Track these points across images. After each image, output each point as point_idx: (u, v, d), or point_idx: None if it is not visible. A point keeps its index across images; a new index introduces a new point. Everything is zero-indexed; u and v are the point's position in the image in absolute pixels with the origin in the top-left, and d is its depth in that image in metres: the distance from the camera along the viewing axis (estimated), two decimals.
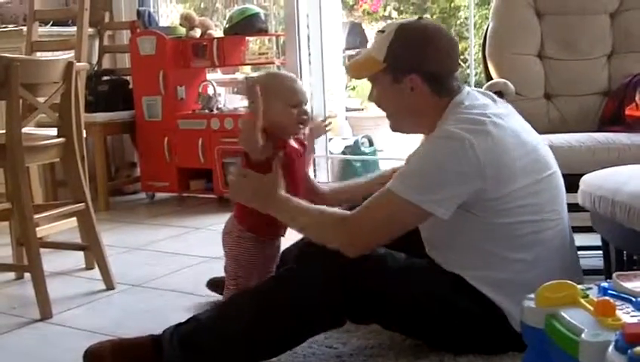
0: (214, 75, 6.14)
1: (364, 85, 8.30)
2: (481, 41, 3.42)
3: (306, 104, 2.43)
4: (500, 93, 2.54)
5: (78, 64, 3.24)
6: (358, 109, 8.18)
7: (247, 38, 5.25)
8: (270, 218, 2.24)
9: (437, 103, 2.16)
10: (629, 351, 1.24)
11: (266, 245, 2.46)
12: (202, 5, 11.63)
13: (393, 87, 2.17)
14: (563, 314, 1.49)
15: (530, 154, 2.11)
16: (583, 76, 3.18)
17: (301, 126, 2.42)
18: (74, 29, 3.76)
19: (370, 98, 2.29)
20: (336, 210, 2.20)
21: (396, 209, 2.04)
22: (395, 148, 5.69)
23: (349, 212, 2.13)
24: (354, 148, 5.60)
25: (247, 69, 6.52)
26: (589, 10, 3.25)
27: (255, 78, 2.58)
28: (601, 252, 2.50)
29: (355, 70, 2.41)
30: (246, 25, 5.05)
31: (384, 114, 2.29)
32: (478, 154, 2.00)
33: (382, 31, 2.21)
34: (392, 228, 2.09)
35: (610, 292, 1.54)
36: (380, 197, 2.07)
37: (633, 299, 1.47)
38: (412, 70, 2.14)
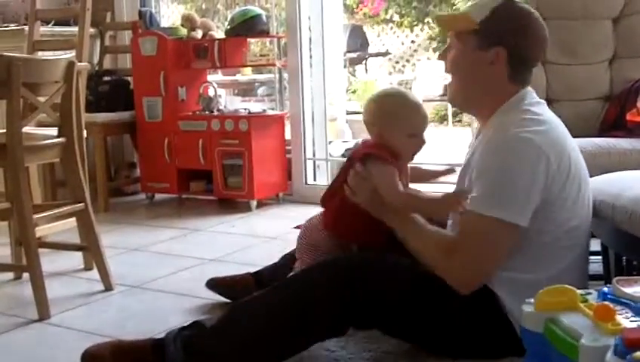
0: (215, 77, 6.15)
1: (365, 88, 8.31)
2: None
3: (424, 132, 2.32)
4: None
5: (79, 64, 3.24)
6: (359, 113, 8.18)
7: (248, 39, 5.24)
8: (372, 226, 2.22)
9: (506, 88, 2.12)
10: (629, 356, 1.24)
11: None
12: (204, 6, 11.65)
13: (475, 53, 2.12)
14: (562, 318, 1.49)
15: (576, 162, 2.12)
16: (585, 81, 3.18)
17: (415, 155, 2.32)
18: (75, 28, 3.75)
19: (442, 56, 2.21)
20: (446, 235, 2.17)
21: (493, 232, 2.00)
22: None
23: (453, 237, 2.12)
24: None
25: (248, 70, 6.52)
26: (591, 15, 3.25)
27: (377, 97, 2.39)
28: (600, 257, 2.50)
29: (446, 22, 2.31)
30: (247, 26, 5.05)
31: None
32: (544, 150, 1.99)
33: None
34: (495, 252, 2.04)
35: (609, 297, 1.54)
36: (473, 226, 2.03)
37: (633, 304, 1.47)
38: (502, 44, 2.09)
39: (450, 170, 2.46)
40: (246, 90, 8.22)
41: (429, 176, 2.59)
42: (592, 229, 2.32)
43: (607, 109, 3.10)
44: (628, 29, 3.19)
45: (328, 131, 5.40)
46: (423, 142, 2.28)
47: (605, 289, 1.57)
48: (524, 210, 1.98)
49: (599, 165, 2.25)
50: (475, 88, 2.16)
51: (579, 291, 1.56)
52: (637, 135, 2.81)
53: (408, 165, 2.32)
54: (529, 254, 2.06)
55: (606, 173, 2.34)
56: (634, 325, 1.39)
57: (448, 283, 2.04)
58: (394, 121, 2.25)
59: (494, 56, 2.10)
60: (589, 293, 1.58)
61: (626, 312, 1.46)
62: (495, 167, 2.03)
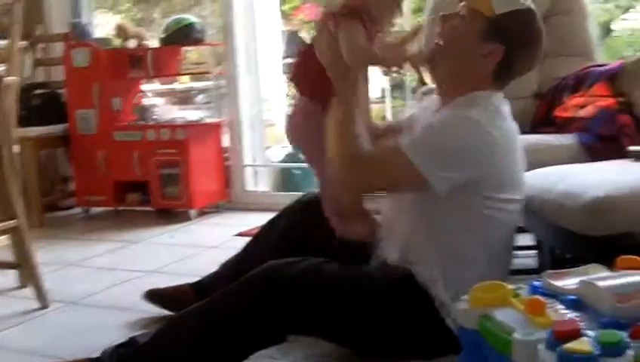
0: (152, 86, 6.09)
1: None
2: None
3: None
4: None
5: (8, 78, 3.18)
6: None
7: (183, 48, 5.21)
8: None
9: (483, 83, 2.10)
10: (559, 348, 1.25)
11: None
12: (139, 15, 11.55)
13: (473, 38, 2.08)
14: (495, 314, 1.49)
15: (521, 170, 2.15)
16: (515, 80, 3.21)
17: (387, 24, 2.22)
18: (5, 42, 3.68)
19: (444, 18, 2.16)
20: (364, 145, 2.07)
21: (404, 171, 1.97)
22: None
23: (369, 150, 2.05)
24: (293, 157, 5.58)
25: (185, 78, 6.47)
26: None
27: None
28: (535, 251, 2.52)
29: None
30: (182, 35, 5.02)
31: None
32: (495, 144, 1.99)
33: None
34: (393, 186, 2.07)
35: (540, 290, 1.55)
36: (394, 156, 2.00)
37: (563, 297, 1.48)
38: (505, 44, 2.06)
39: (417, 29, 2.33)
40: (184, 99, 8.15)
41: (401, 43, 2.44)
42: (526, 224, 2.34)
43: (537, 107, 3.14)
44: (554, 28, 3.20)
45: (267, 137, 5.39)
46: (399, 14, 2.21)
47: (536, 283, 1.58)
48: (445, 177, 1.97)
49: (530, 161, 2.25)
50: (458, 70, 2.13)
51: (511, 286, 1.57)
52: (565, 130, 2.85)
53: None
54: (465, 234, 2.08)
55: (537, 168, 2.36)
56: (564, 318, 1.40)
57: (334, 184, 2.07)
58: None
59: (490, 51, 2.07)
60: (521, 288, 1.59)
61: (557, 305, 1.47)
62: (442, 129, 2.02)
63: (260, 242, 2.66)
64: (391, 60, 2.13)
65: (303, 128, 2.27)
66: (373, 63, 2.14)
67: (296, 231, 2.54)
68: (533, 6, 2.12)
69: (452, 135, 2.01)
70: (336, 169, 2.05)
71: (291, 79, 2.36)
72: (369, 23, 2.10)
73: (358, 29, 2.05)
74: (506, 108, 2.13)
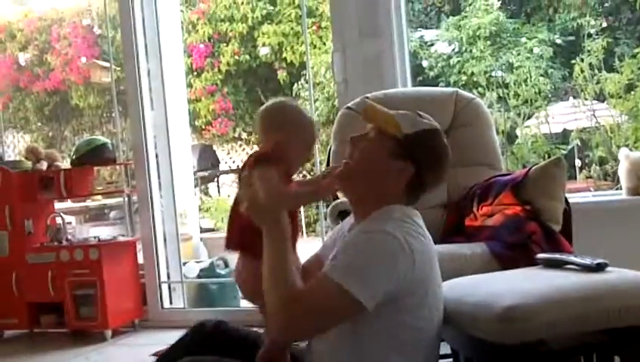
0: (64, 204, 6.05)
1: (217, 206, 8.35)
2: (326, 159, 3.49)
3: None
4: (347, 212, 2.59)
5: None
6: (213, 230, 8.18)
7: (95, 168, 5.21)
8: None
9: (396, 198, 2.13)
10: None
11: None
12: (50, 134, 11.50)
13: (384, 157, 2.12)
14: None
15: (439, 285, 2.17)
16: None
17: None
18: None
19: (355, 139, 2.18)
20: (297, 283, 2.04)
21: (335, 296, 1.96)
22: None
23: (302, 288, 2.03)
24: (209, 271, 5.54)
25: (98, 196, 6.43)
26: None
27: (282, 104, 2.35)
28: (451, 360, 2.55)
29: (375, 115, 2.21)
30: (93, 155, 5.03)
31: None
32: (415, 256, 2.01)
33: (420, 115, 2.18)
34: (329, 319, 2.01)
35: None
36: (323, 285, 1.98)
37: None
38: (415, 162, 2.11)
39: (332, 168, 2.38)
40: (97, 215, 8.10)
41: (312, 183, 2.48)
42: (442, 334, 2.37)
43: (447, 216, 3.22)
44: (459, 139, 3.31)
45: (183, 251, 5.37)
46: (311, 156, 2.29)
47: None
48: (374, 293, 1.98)
49: (443, 271, 2.29)
50: (369, 188, 2.15)
51: None
52: (476, 239, 2.92)
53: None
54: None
55: (449, 278, 2.41)
56: None
57: (273, 324, 2.03)
58: (299, 130, 2.23)
59: (401, 169, 2.12)
60: None
61: None
62: (361, 246, 2.03)
63: None
64: (306, 196, 2.23)
65: (252, 282, 2.27)
66: (290, 203, 2.19)
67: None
68: (437, 125, 2.21)
69: (371, 251, 2.02)
70: (271, 313, 2.02)
71: (227, 246, 2.33)
72: (282, 167, 2.15)
73: (272, 174, 2.10)
74: (420, 220, 2.19)
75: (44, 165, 5.15)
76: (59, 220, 5.14)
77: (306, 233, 9.76)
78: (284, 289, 2.01)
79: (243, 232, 2.21)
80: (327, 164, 3.40)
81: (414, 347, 2.12)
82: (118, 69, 6.37)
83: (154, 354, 4.09)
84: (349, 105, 3.51)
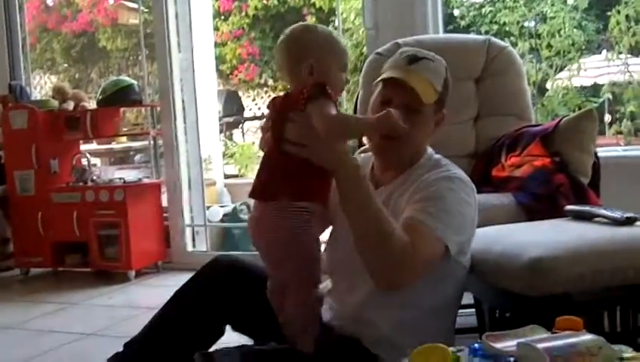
0: (90, 146, 6.06)
1: (242, 152, 8.33)
2: (353, 107, 3.46)
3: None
4: None
5: None
6: (237, 176, 8.18)
7: (121, 109, 5.20)
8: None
9: (427, 145, 2.17)
10: None
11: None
12: (77, 76, 11.51)
13: (431, 118, 2.11)
14: None
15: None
16: (451, 139, 3.23)
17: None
18: None
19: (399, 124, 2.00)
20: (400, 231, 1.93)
21: (437, 249, 1.94)
22: None
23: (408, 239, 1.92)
24: (233, 216, 5.57)
25: (123, 138, 6.45)
26: (454, 75, 3.34)
27: (308, 28, 2.09)
28: (474, 310, 2.54)
29: (415, 90, 2.06)
30: (120, 96, 5.02)
31: None
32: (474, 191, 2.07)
33: (428, 59, 2.11)
34: (428, 267, 1.95)
35: (480, 353, 1.56)
36: (424, 235, 1.92)
37: (502, 359, 1.50)
38: (445, 104, 2.14)
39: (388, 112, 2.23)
40: (122, 158, 8.13)
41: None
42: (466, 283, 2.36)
43: (473, 166, 3.18)
44: (489, 89, 3.28)
45: (206, 196, 5.38)
46: (346, 81, 2.10)
47: (476, 345, 1.59)
48: (459, 241, 2.00)
49: None
50: (419, 142, 2.15)
51: (451, 348, 1.58)
52: (503, 189, 2.89)
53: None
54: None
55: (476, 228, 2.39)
56: None
57: (391, 276, 1.92)
58: (332, 52, 2.03)
59: (441, 119, 2.15)
60: (461, 350, 1.60)
61: None
62: (451, 196, 2.00)
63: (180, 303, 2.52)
64: (368, 124, 2.07)
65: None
66: (354, 130, 2.12)
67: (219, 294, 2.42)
68: (425, 51, 2.18)
69: (458, 199, 2.02)
70: (372, 269, 1.93)
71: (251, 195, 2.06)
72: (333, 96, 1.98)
73: (329, 104, 1.93)
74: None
75: (70, 105, 5.16)
76: (84, 161, 5.16)
77: None
78: (392, 241, 1.89)
79: (272, 179, 2.00)
80: (354, 112, 3.36)
81: (451, 293, 2.13)
82: (146, 10, 6.33)
83: None
84: (378, 50, 3.46)
